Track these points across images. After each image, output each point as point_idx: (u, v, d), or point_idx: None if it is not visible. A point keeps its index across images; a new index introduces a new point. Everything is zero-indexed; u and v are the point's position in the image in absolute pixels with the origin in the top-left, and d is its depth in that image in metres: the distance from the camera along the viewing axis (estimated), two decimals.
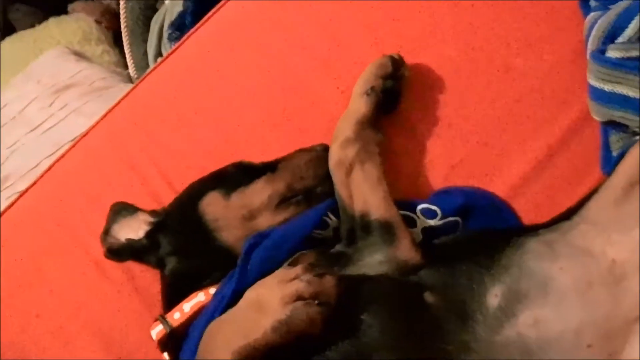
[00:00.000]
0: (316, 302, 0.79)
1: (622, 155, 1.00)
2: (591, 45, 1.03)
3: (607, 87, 0.95)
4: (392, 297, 0.88)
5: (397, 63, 1.10)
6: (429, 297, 0.88)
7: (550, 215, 1.03)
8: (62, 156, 1.36)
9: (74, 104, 1.77)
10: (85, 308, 1.20)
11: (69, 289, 1.22)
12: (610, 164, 1.02)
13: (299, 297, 0.79)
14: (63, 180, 1.34)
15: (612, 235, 0.89)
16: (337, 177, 1.02)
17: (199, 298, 0.99)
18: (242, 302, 0.84)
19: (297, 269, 0.82)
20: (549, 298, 0.86)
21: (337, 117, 1.09)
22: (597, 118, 1.02)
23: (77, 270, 1.23)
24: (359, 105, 1.06)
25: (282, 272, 0.84)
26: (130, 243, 1.10)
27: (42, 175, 1.35)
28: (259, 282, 0.85)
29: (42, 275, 1.24)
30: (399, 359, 0.83)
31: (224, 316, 0.85)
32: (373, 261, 0.94)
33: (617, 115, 0.95)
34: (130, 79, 2.02)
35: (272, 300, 0.79)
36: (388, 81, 1.09)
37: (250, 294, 0.84)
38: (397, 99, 1.12)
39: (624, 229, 0.89)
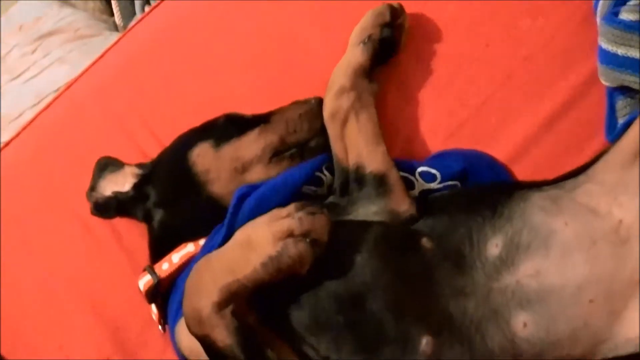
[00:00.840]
0: (307, 239, 0.77)
1: (627, 124, 0.97)
2: (601, 6, 0.99)
3: (620, 51, 0.91)
4: (388, 240, 0.87)
5: (395, 12, 1.06)
6: (426, 242, 0.87)
7: None
8: (46, 108, 1.33)
9: (58, 52, 1.71)
10: (71, 266, 1.18)
11: (54, 246, 1.20)
12: (614, 131, 0.99)
13: (290, 235, 0.77)
14: (46, 133, 1.30)
15: (620, 197, 0.87)
16: (331, 128, 0.99)
17: (188, 249, 0.97)
18: (231, 241, 0.82)
19: (289, 207, 0.81)
20: (551, 251, 0.85)
21: (332, 71, 1.05)
22: (606, 83, 0.98)
23: (61, 227, 1.21)
24: (355, 54, 1.03)
25: (273, 212, 0.82)
26: (117, 195, 1.07)
27: (24, 128, 1.32)
28: (250, 222, 0.83)
29: (24, 231, 1.22)
30: (391, 300, 0.82)
31: (212, 254, 0.83)
32: (367, 212, 0.93)
33: (629, 80, 0.92)
34: (115, 27, 1.96)
35: (262, 238, 0.78)
36: (385, 29, 1.05)
37: (239, 233, 0.82)
38: (394, 49, 1.08)
39: (632, 192, 0.87)
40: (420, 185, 1.02)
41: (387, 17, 1.05)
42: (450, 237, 0.88)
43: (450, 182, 1.01)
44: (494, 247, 0.86)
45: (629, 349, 0.84)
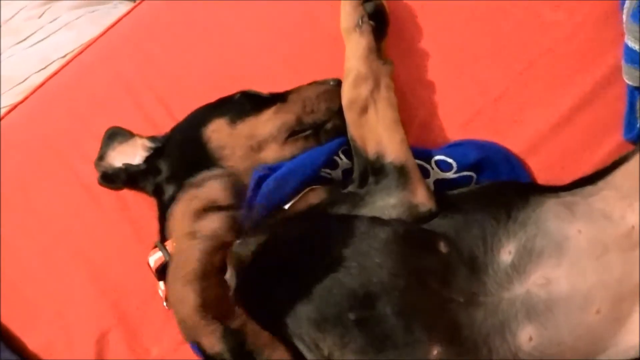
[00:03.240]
0: (212, 210, 0.76)
1: None
2: (629, 3, 0.98)
3: None
4: (406, 241, 0.86)
5: None
6: (442, 247, 0.86)
7: (563, 176, 0.99)
8: (55, 73, 1.30)
9: (66, 17, 1.67)
10: (74, 234, 1.17)
11: (58, 213, 1.18)
12: (633, 130, 0.99)
13: (196, 215, 0.76)
14: (54, 100, 1.28)
15: (635, 203, 0.87)
16: (349, 116, 0.97)
17: None
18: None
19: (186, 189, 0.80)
20: (563, 259, 0.85)
21: None
22: (629, 82, 0.97)
23: (66, 194, 1.19)
24: (356, 39, 1.01)
25: (179, 198, 0.81)
26: (127, 168, 1.06)
27: (32, 93, 1.30)
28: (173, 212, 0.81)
29: (29, 197, 1.20)
30: (405, 305, 0.81)
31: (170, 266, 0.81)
32: (385, 204, 0.91)
33: None
34: None
35: (180, 233, 0.76)
36: (368, 5, 1.03)
37: (175, 233, 0.80)
38: (385, 18, 1.06)
39: None
40: (435, 173, 1.01)
41: None
42: (464, 239, 0.87)
43: (466, 173, 1.01)
44: (507, 254, 0.86)
45: (630, 356, 0.84)
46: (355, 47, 1.00)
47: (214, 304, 0.75)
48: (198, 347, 0.77)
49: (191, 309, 0.74)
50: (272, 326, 0.80)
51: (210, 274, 0.75)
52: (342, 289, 0.81)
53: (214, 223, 0.75)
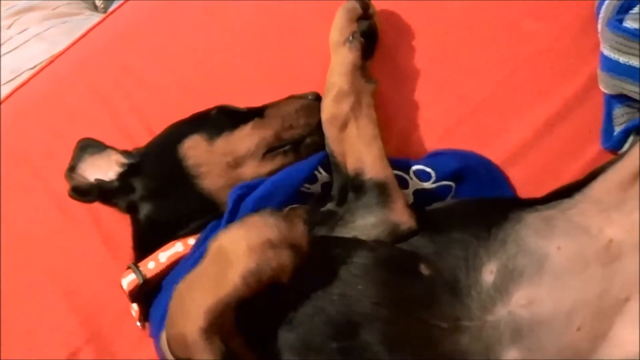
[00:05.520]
0: (287, 248, 0.73)
1: (624, 133, 0.97)
2: (604, 13, 0.99)
3: (622, 59, 0.91)
4: (388, 266, 0.84)
5: (364, 3, 1.04)
6: (424, 269, 0.84)
7: (543, 186, 0.99)
8: (24, 83, 1.27)
9: (35, 28, 1.64)
10: (46, 249, 1.14)
11: (28, 226, 1.15)
12: (611, 139, 0.99)
13: (268, 244, 0.73)
14: (24, 110, 1.25)
15: (612, 215, 0.87)
16: (329, 132, 0.96)
17: (177, 248, 0.92)
18: (206, 256, 0.77)
19: (264, 214, 0.76)
20: (544, 277, 0.83)
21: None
22: (605, 90, 0.98)
23: (37, 207, 1.16)
24: (344, 54, 1.00)
25: (246, 219, 0.76)
26: (100, 184, 1.02)
27: (0, 102, 1.25)
28: (222, 232, 0.78)
29: None
30: (388, 334, 0.79)
31: (191, 274, 0.78)
32: (365, 223, 0.89)
33: (629, 89, 0.92)
34: (95, 7, 1.89)
35: (239, 250, 0.73)
36: (362, 22, 1.03)
37: (214, 246, 0.77)
38: (375, 40, 1.06)
39: (625, 210, 0.86)
40: (414, 184, 1.00)
41: (360, 10, 1.03)
42: (446, 260, 0.85)
43: (445, 182, 1.00)
44: (489, 273, 0.84)
45: None
46: (341, 62, 1.00)
47: (222, 321, 0.72)
48: None
49: (198, 327, 0.70)
50: (255, 351, 0.77)
51: (234, 303, 0.72)
52: (324, 317, 0.78)
53: (282, 259, 0.72)
